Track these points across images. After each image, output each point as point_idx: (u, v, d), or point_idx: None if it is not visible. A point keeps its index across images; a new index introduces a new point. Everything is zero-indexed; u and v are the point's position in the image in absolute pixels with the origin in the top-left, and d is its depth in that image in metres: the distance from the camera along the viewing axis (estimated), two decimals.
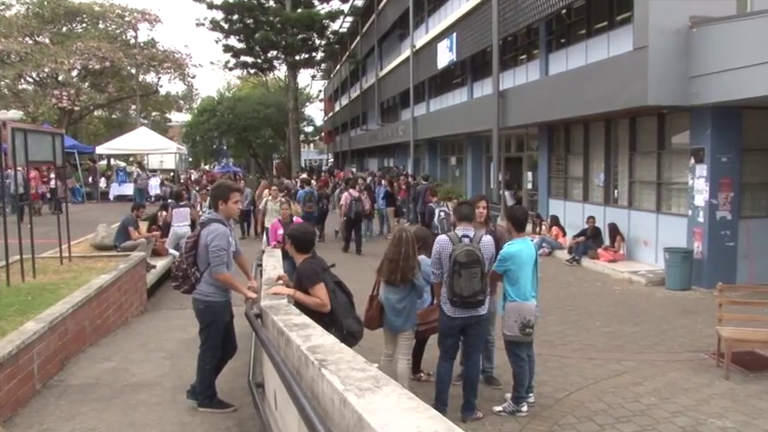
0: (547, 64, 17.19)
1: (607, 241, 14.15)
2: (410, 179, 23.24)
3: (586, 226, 14.55)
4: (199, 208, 16.23)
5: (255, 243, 16.87)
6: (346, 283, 5.48)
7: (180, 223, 13.21)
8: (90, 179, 28.42)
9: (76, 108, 30.38)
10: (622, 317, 9.61)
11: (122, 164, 33.46)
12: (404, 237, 6.03)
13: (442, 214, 13.98)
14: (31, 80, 33.13)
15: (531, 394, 6.17)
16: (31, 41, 30.27)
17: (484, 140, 23.78)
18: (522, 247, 5.96)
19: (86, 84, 31.39)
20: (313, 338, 3.74)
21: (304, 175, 26.56)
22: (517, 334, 5.86)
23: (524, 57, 19.34)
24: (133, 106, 40.04)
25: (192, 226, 12.55)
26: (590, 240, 14.22)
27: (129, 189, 26.75)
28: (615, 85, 12.26)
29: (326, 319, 4.98)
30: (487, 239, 5.81)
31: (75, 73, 31.81)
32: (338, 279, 5.51)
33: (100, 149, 28.48)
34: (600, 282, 12.43)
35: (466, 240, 5.68)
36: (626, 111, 12.74)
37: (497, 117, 18.11)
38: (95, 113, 41.86)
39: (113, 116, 45.36)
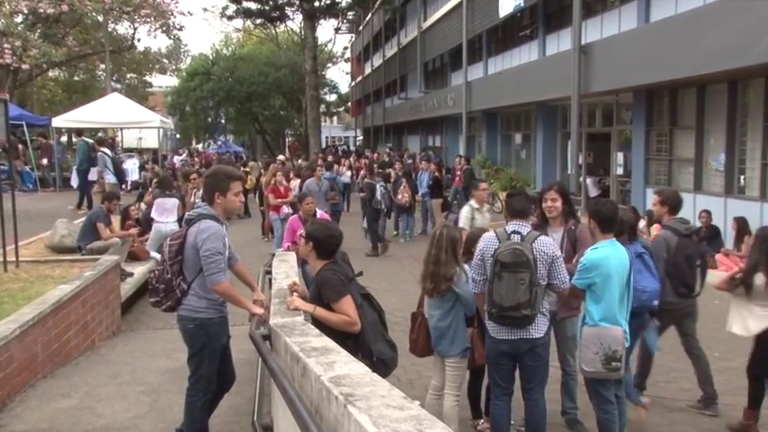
0: (647, 7, 16.92)
1: (729, 244, 13.87)
2: (465, 163, 23.11)
3: (699, 223, 14.28)
4: (193, 199, 16.27)
5: (264, 245, 17.00)
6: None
7: (165, 218, 13.32)
8: (45, 160, 28.71)
9: (24, 66, 30.23)
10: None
11: (89, 141, 33.83)
12: (437, 235, 6.09)
13: (383, 189, 16.90)
14: None
15: None
16: None
17: (559, 111, 23.56)
18: (609, 252, 5.81)
19: (37, 34, 31.38)
20: (337, 367, 3.72)
21: (281, 157, 26.63)
22: (600, 369, 5.73)
23: None
24: (101, 65, 40.28)
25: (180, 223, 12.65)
26: (704, 243, 13.95)
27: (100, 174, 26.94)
28: (747, 32, 12.01)
29: (351, 343, 5.00)
30: (547, 240, 5.75)
31: (19, 19, 31.49)
32: (366, 291, 5.52)
33: (57, 121, 28.66)
34: (719, 299, 12.09)
35: (516, 238, 5.64)
36: (762, 67, 12.46)
37: (578, 80, 17.92)
38: (50, 74, 42.11)
39: (75, 78, 45.71)
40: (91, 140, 23.54)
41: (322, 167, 17.24)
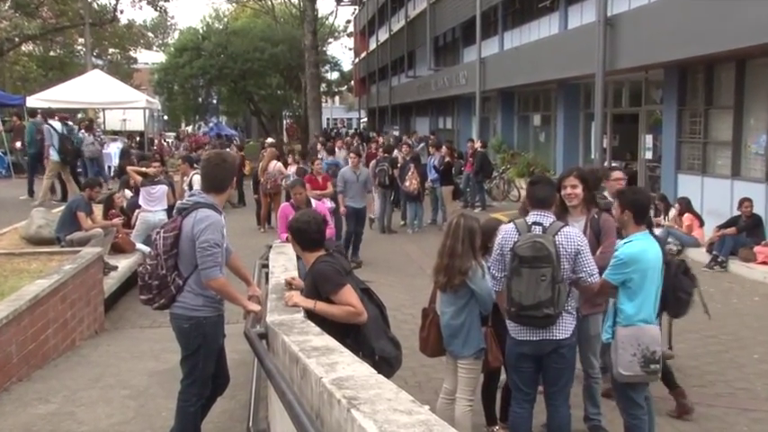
0: None
1: None
2: (478, 146, 23.10)
3: (738, 213, 14.19)
4: (185, 187, 16.20)
5: (260, 236, 17.00)
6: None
7: (153, 207, 13.33)
8: (18, 143, 28.63)
9: None
10: None
11: (68, 123, 33.74)
12: (452, 225, 6.11)
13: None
14: None
15: None
16: None
17: (582, 90, 23.48)
18: (646, 245, 5.81)
19: (7, 5, 31.09)
20: (340, 368, 3.74)
21: (270, 140, 26.46)
22: (639, 373, 5.71)
23: None
24: (81, 40, 40.17)
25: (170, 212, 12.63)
26: (743, 234, 13.88)
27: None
28: None
29: (350, 341, 5.02)
30: (571, 231, 5.72)
31: None
32: (366, 285, 5.56)
33: (32, 101, 28.55)
34: (758, 295, 12.16)
35: (537, 229, 5.62)
36: None
37: (603, 56, 17.82)
38: (23, 48, 41.92)
39: (51, 53, 45.54)
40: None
41: (358, 157, 16.14)
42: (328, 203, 13.79)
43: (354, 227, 14.71)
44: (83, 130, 24.57)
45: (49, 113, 20.89)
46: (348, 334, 5.10)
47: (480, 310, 6.06)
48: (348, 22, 67.40)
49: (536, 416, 6.08)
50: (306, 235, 5.47)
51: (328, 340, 4.43)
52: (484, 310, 6.07)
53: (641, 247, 5.75)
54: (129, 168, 15.41)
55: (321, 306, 5.20)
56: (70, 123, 22.68)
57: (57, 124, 19.53)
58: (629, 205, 5.87)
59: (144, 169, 14.37)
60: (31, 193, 19.88)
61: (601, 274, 5.80)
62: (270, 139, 30.09)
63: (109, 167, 26.43)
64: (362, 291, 5.42)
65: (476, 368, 6.13)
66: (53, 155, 18.83)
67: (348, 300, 5.14)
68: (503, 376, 6.50)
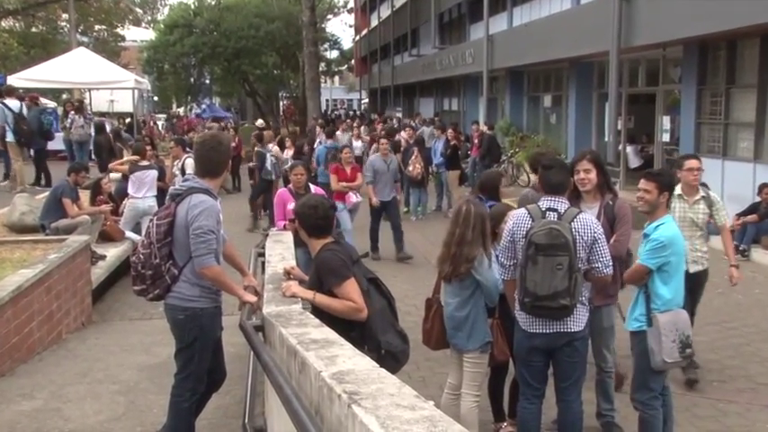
0: None
1: None
2: (484, 129, 23.09)
3: (759, 199, 14.17)
4: (177, 171, 16.13)
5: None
6: None
7: (142, 193, 13.32)
8: None
9: None
10: None
11: (51, 103, 33.59)
12: (462, 212, 6.07)
13: (273, 159, 17.64)
14: None
15: None
16: None
17: (596, 69, 23.42)
18: (677, 228, 5.99)
19: None
20: (340, 361, 3.74)
21: (260, 121, 26.26)
22: (678, 359, 5.83)
23: None
24: (64, 15, 40.01)
25: (161, 197, 12.61)
26: (766, 221, 13.85)
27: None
28: None
29: (356, 334, 5.02)
30: (588, 218, 5.73)
31: None
32: (373, 275, 5.54)
33: (13, 80, 28.43)
34: None
35: (552, 216, 5.61)
36: None
37: (618, 32, 17.76)
38: (3, 24, 41.75)
39: (33, 29, 45.37)
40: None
41: (389, 140, 15.84)
42: (354, 198, 13.59)
43: (393, 220, 14.31)
44: (72, 112, 24.43)
45: (7, 91, 20.54)
46: (353, 327, 5.11)
47: (486, 301, 6.07)
48: None
49: (545, 411, 6.09)
50: (311, 220, 5.46)
51: (328, 332, 4.44)
52: (490, 301, 6.08)
53: (675, 230, 5.92)
54: (111, 165, 15.27)
55: (321, 298, 5.21)
56: (49, 105, 22.44)
57: (14, 103, 19.17)
58: (669, 188, 6.06)
59: (126, 158, 14.35)
60: (5, 176, 19.79)
61: (614, 262, 5.83)
62: (260, 121, 30.00)
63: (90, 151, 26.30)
64: (369, 281, 5.42)
65: (482, 362, 6.15)
66: (8, 136, 18.68)
67: (350, 294, 5.14)
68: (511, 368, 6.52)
